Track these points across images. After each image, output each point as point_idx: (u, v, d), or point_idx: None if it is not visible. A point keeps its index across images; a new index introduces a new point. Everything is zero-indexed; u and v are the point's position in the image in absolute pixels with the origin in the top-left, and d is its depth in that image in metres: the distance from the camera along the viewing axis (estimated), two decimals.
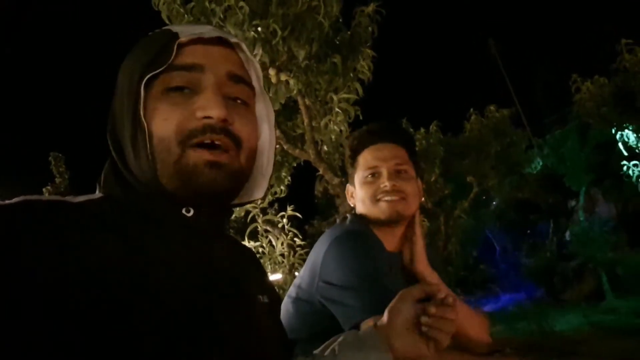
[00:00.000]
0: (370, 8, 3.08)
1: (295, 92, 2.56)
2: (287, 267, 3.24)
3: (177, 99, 0.71)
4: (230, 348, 0.67)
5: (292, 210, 3.43)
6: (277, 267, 3.27)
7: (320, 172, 3.14)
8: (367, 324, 0.87)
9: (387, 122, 1.54)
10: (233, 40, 0.78)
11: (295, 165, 3.75)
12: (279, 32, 2.29)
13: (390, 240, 1.43)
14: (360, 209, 1.44)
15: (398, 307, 0.86)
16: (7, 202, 0.63)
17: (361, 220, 1.44)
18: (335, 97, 2.81)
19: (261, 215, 3.28)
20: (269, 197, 3.65)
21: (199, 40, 0.74)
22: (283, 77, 2.50)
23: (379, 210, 1.38)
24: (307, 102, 2.79)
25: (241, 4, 2.28)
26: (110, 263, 0.61)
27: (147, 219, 0.71)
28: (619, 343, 4.44)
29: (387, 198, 1.37)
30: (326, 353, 0.86)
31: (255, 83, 0.82)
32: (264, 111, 0.85)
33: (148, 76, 0.70)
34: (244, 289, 0.78)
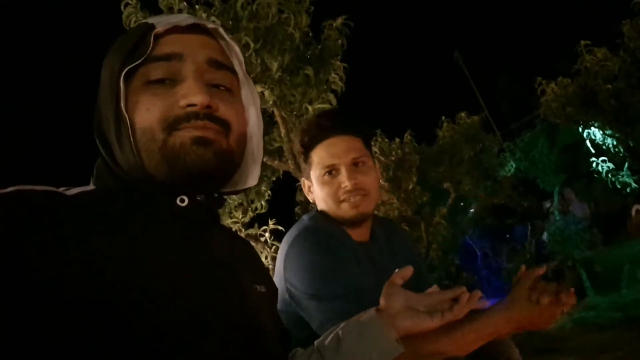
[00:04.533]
0: (339, 21, 3.13)
1: (270, 103, 2.59)
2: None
3: (158, 90, 0.70)
4: (225, 337, 0.66)
5: (274, 224, 3.42)
6: None
7: (301, 183, 3.15)
8: (367, 312, 0.86)
9: (337, 110, 1.45)
10: (210, 26, 0.77)
11: (274, 179, 3.76)
12: (252, 45, 2.33)
13: (358, 231, 1.38)
14: (322, 206, 1.38)
15: (390, 292, 0.85)
16: (0, 191, 0.61)
17: (324, 215, 1.38)
18: (310, 108, 2.84)
19: (243, 230, 3.27)
20: (250, 214, 3.63)
21: (176, 30, 0.73)
22: (258, 89, 2.52)
23: (343, 211, 1.33)
24: (283, 113, 2.82)
25: (212, 18, 2.31)
26: (106, 255, 0.60)
27: (141, 210, 0.70)
28: (600, 336, 4.53)
29: (350, 199, 1.31)
30: (328, 341, 0.84)
31: (237, 68, 0.81)
32: (250, 96, 0.84)
33: (127, 69, 0.69)
34: (240, 278, 0.77)
